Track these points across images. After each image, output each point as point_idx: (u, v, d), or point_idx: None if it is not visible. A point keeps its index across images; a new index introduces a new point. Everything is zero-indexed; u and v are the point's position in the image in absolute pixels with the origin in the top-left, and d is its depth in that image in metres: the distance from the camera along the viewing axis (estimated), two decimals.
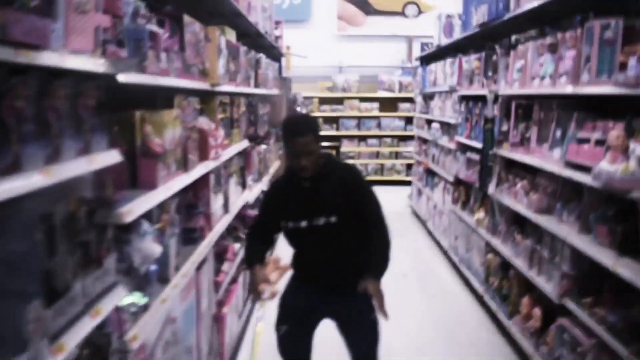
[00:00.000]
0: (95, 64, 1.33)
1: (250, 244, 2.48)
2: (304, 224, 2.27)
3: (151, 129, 1.94)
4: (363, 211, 2.30)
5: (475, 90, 4.78)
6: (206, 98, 2.96)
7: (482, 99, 4.50)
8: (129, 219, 1.60)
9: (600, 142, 2.69)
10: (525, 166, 3.64)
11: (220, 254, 3.27)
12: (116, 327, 1.61)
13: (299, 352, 2.45)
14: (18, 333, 1.10)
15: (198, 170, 2.52)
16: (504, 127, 4.09)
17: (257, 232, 2.48)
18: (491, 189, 4.26)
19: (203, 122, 2.79)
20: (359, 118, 10.06)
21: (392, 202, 8.53)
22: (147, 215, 2.00)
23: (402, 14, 10.19)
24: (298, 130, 2.23)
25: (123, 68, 1.47)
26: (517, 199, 3.69)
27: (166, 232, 2.09)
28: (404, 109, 9.93)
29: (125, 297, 1.67)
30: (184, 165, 2.28)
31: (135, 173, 1.93)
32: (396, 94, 9.96)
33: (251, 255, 2.40)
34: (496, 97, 4.22)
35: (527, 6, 3.65)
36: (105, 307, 1.47)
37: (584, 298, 2.81)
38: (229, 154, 3.27)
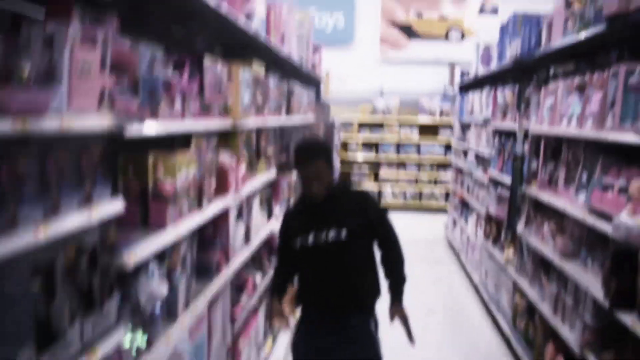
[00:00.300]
0: (99, 122, 1.43)
1: (275, 273, 2.67)
2: (311, 239, 2.30)
3: (163, 171, 2.05)
4: (379, 231, 2.38)
5: (508, 124, 4.72)
6: (230, 133, 3.07)
7: (514, 133, 4.45)
8: (131, 264, 1.69)
9: (624, 190, 2.62)
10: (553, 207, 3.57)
11: (240, 286, 3.34)
12: None
13: None
14: None
15: (214, 207, 2.61)
16: (534, 166, 4.02)
17: (280, 261, 2.59)
18: (520, 228, 4.18)
19: (224, 157, 2.89)
20: (399, 144, 10.05)
21: (428, 230, 8.46)
22: (158, 255, 2.10)
23: (445, 38, 10.18)
24: (309, 155, 2.30)
25: (128, 122, 1.57)
26: (544, 241, 3.61)
27: (176, 271, 2.17)
28: (445, 135, 9.86)
29: (126, 337, 1.76)
30: (198, 203, 2.38)
31: (147, 213, 2.03)
32: (437, 120, 9.91)
33: (273, 286, 2.64)
34: (526, 134, 4.16)
35: (557, 43, 3.62)
36: (102, 349, 1.55)
37: (606, 352, 2.72)
38: (253, 185, 3.36)
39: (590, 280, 2.82)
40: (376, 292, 2.45)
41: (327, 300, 2.37)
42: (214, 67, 2.56)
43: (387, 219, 2.42)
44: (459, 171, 7.28)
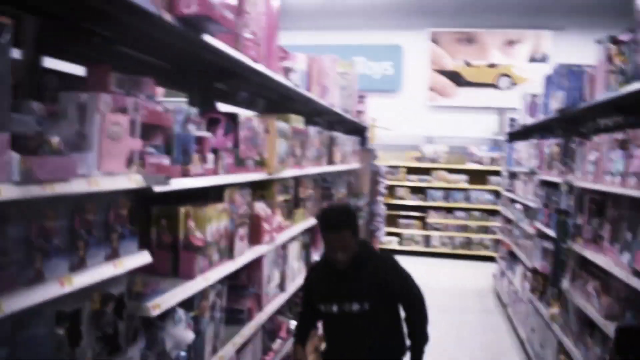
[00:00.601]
0: (126, 182, 1.54)
1: (299, 318, 2.72)
2: (335, 308, 2.33)
3: (194, 223, 2.14)
4: (402, 298, 2.37)
5: (553, 176, 4.61)
6: (266, 184, 3.17)
7: (559, 186, 4.33)
8: (155, 313, 1.77)
9: None
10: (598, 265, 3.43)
11: (273, 331, 3.37)
12: None
13: None
14: None
15: (247, 256, 2.68)
16: (579, 221, 3.89)
17: (304, 308, 2.63)
18: (565, 284, 4.02)
19: (259, 208, 2.98)
20: (447, 189, 9.93)
21: (476, 279, 8.23)
22: (187, 302, 2.17)
23: (494, 85, 10.12)
24: (335, 225, 2.33)
25: (155, 181, 1.68)
26: (589, 300, 3.46)
27: (204, 317, 2.24)
28: (494, 182, 9.67)
29: None
30: (229, 253, 2.45)
31: (178, 263, 2.12)
32: (486, 167, 9.75)
33: (296, 331, 2.69)
34: (571, 188, 4.05)
35: (599, 97, 3.55)
36: None
37: None
38: (289, 234, 3.42)
39: None
40: (401, 352, 2.42)
41: None
42: (248, 122, 2.67)
43: (409, 284, 2.40)
44: (508, 220, 7.10)
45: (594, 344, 3.36)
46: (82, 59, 2.17)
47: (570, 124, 4.78)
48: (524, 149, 6.22)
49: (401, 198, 10.06)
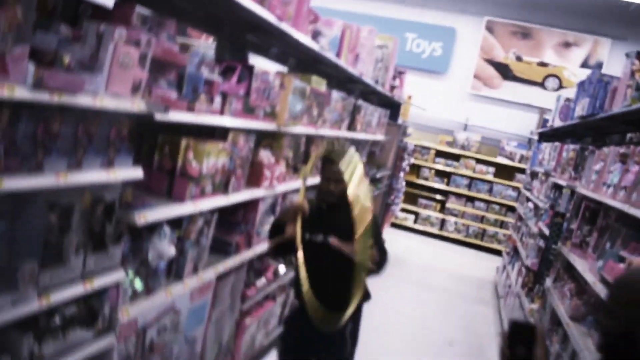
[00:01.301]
0: (129, 105, 1.77)
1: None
2: (307, 236, 2.52)
3: (193, 155, 2.38)
4: None
5: (562, 180, 4.65)
6: (276, 136, 3.38)
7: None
8: (141, 222, 2.03)
9: None
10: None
11: (259, 271, 3.64)
12: (113, 300, 2.04)
13: None
14: (14, 279, 1.56)
15: (242, 196, 2.92)
16: (572, 226, 3.97)
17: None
18: (548, 282, 4.13)
19: (264, 155, 3.20)
20: (472, 178, 9.94)
21: (480, 269, 8.34)
22: (176, 222, 2.44)
23: (541, 85, 9.93)
24: (336, 160, 2.51)
25: (156, 109, 1.90)
26: (562, 300, 3.58)
27: (188, 240, 2.50)
28: (520, 180, 9.61)
29: (126, 279, 2.10)
30: (223, 188, 2.69)
31: (172, 187, 2.37)
32: (515, 164, 9.69)
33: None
34: (573, 193, 4.11)
35: (614, 110, 3.58)
36: (100, 281, 1.90)
37: None
38: (290, 186, 3.63)
39: (586, 345, 2.81)
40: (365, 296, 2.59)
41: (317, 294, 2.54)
42: (264, 75, 2.86)
43: (376, 228, 2.54)
44: (520, 218, 7.14)
45: (557, 341, 3.50)
46: None
47: (592, 132, 4.78)
48: (547, 150, 6.21)
49: (425, 179, 10.13)
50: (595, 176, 3.69)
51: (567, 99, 5.96)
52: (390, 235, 8.97)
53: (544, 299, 4.28)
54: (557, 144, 5.63)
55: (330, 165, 2.52)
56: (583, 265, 3.28)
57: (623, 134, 4.36)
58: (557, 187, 4.97)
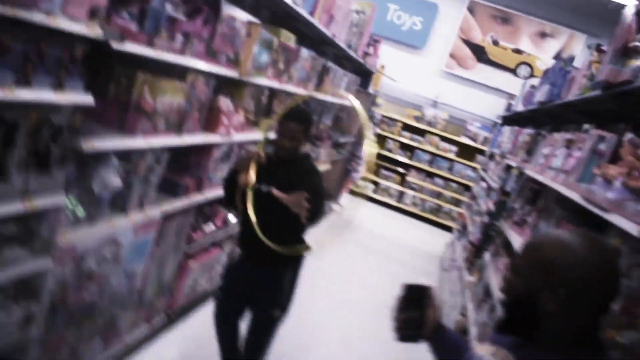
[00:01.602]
0: (82, 29, 1.77)
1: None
2: (256, 185, 2.57)
3: (149, 90, 2.39)
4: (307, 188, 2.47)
5: (514, 162, 4.83)
6: (239, 84, 3.39)
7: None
8: (88, 149, 2.05)
9: None
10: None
11: (209, 216, 3.70)
12: (52, 223, 2.07)
13: (229, 321, 2.83)
14: None
15: (196, 139, 2.94)
16: (516, 205, 4.15)
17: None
18: (487, 257, 4.33)
19: (223, 102, 3.22)
20: (434, 155, 10.13)
21: (431, 244, 8.62)
22: (126, 157, 2.46)
23: (513, 71, 10.10)
24: (295, 117, 2.57)
25: (111, 37, 1.90)
26: (496, 274, 3.77)
27: (136, 175, 2.53)
28: (480, 161, 9.86)
29: (68, 204, 2.13)
30: (177, 129, 2.71)
31: (125, 120, 2.39)
32: (477, 145, 9.92)
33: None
34: (521, 174, 4.28)
35: (566, 98, 3.72)
36: (40, 201, 1.92)
37: None
38: (248, 137, 3.67)
39: None
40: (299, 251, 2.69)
41: (253, 243, 2.59)
42: (231, 20, 2.86)
43: (318, 184, 2.61)
44: (473, 197, 7.37)
45: (486, 311, 3.71)
46: None
47: (551, 120, 4.95)
48: (507, 134, 6.40)
49: (389, 150, 10.27)
50: (542, 160, 3.86)
51: (532, 86, 6.11)
52: (348, 202, 9.14)
53: (481, 273, 4.50)
54: (516, 128, 5.81)
55: (288, 121, 2.57)
56: (519, 242, 3.46)
57: (579, 124, 4.53)
58: (509, 168, 5.16)
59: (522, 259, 1.39)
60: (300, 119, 2.58)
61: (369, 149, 2.36)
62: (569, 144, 3.38)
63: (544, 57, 9.99)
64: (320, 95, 5.21)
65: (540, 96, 4.65)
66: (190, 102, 2.75)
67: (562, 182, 3.04)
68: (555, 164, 3.44)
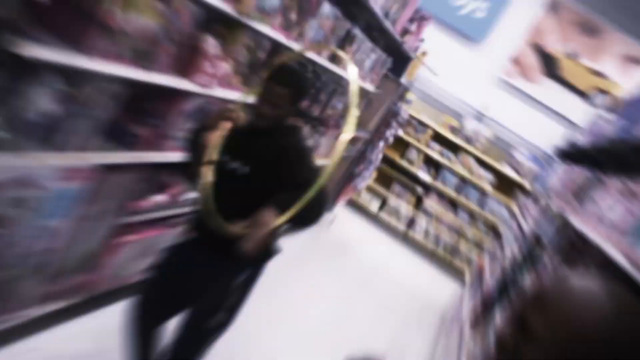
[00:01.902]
0: None
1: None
2: (222, 157, 2.59)
3: (120, 3, 2.43)
4: (288, 176, 2.52)
5: (557, 206, 4.89)
6: (234, 26, 3.43)
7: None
8: (26, 53, 2.09)
9: None
10: None
11: (161, 186, 3.73)
12: None
13: (150, 328, 2.86)
14: None
15: (165, 80, 2.99)
16: (546, 259, 4.20)
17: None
18: (497, 318, 4.39)
19: (209, 42, 3.26)
20: (465, 180, 10.18)
21: (435, 290, 8.69)
22: (71, 79, 2.50)
23: (585, 96, 10.18)
24: (282, 79, 2.54)
25: None
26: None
27: (78, 105, 2.56)
28: (519, 201, 9.92)
29: None
30: (143, 61, 2.75)
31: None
32: (520, 179, 9.96)
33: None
34: (565, 223, 4.34)
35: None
36: None
37: None
38: (233, 96, 3.71)
39: None
40: (264, 251, 2.73)
41: (210, 230, 2.56)
42: None
43: (303, 179, 2.61)
44: (501, 245, 7.42)
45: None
46: None
47: (613, 161, 5.00)
48: (560, 172, 6.46)
49: (410, 162, 10.31)
50: (595, 209, 3.91)
51: (603, 117, 6.16)
52: (343, 214, 9.18)
53: (486, 333, 4.54)
54: (571, 166, 5.86)
55: (272, 83, 2.56)
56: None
57: None
58: (550, 212, 5.21)
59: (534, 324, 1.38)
60: (288, 82, 2.56)
61: (343, 134, 2.32)
62: (631, 196, 3.43)
63: (627, 87, 10.07)
64: (332, 67, 5.25)
65: (611, 132, 4.70)
66: (168, 32, 2.80)
67: (615, 243, 3.09)
68: (610, 217, 3.49)
